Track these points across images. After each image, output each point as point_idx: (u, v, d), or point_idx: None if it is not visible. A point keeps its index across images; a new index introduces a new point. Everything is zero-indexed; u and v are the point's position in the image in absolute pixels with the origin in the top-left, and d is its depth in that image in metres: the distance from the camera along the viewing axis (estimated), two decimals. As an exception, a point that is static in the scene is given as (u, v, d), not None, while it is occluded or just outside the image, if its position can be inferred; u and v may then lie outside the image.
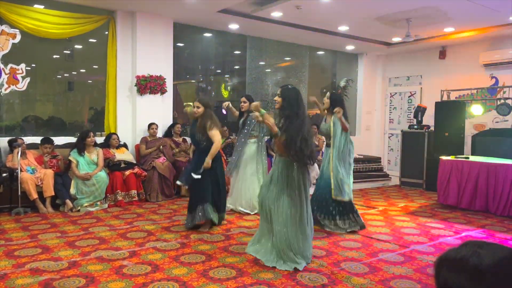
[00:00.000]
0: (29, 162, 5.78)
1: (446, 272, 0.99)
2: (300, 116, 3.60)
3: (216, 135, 4.69)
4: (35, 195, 5.49)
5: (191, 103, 9.10)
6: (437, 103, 8.26)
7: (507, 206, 5.85)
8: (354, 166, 9.09)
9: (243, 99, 5.84)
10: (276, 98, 3.75)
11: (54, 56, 7.39)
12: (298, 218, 3.65)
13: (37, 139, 6.11)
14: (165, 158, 6.68)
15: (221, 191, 4.92)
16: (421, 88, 9.66)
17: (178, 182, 5.13)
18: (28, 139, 6.11)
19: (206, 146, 4.73)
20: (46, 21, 6.20)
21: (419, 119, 8.67)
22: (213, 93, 9.36)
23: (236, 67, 9.29)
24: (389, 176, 9.43)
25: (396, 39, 8.79)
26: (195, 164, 4.80)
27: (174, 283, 3.24)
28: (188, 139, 7.52)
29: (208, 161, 4.64)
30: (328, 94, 5.09)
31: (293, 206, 3.63)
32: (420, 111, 8.68)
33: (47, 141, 5.97)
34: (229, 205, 5.61)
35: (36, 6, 6.23)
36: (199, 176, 4.64)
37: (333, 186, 4.79)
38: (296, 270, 3.53)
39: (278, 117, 3.71)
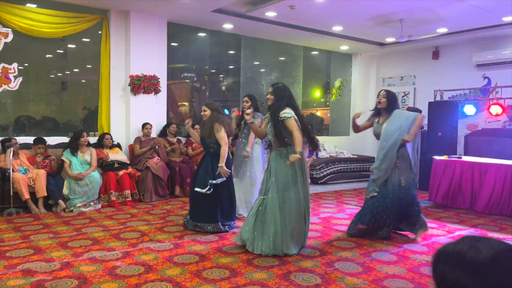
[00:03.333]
0: (22, 162, 5.73)
1: (444, 266, 0.98)
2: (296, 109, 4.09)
3: (223, 138, 4.61)
4: (27, 196, 5.45)
5: (185, 103, 9.13)
6: (430, 103, 8.30)
7: (499, 206, 5.89)
8: (348, 166, 9.17)
9: (246, 98, 5.50)
10: (268, 96, 4.11)
11: (47, 56, 7.35)
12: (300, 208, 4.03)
13: (29, 139, 6.07)
14: (159, 158, 6.66)
15: (233, 197, 4.86)
16: (415, 88, 9.70)
17: (197, 189, 4.68)
18: (21, 139, 6.06)
19: (216, 150, 4.67)
20: (39, 20, 6.17)
21: None
22: (207, 93, 9.34)
23: (231, 66, 9.29)
24: (383, 175, 9.46)
25: (389, 40, 8.82)
26: (212, 170, 4.65)
27: (168, 283, 3.23)
28: (183, 139, 7.51)
29: (221, 166, 4.55)
30: (383, 92, 4.81)
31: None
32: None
33: (40, 141, 5.93)
34: None
35: (28, 5, 6.19)
36: (218, 181, 4.62)
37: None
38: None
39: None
